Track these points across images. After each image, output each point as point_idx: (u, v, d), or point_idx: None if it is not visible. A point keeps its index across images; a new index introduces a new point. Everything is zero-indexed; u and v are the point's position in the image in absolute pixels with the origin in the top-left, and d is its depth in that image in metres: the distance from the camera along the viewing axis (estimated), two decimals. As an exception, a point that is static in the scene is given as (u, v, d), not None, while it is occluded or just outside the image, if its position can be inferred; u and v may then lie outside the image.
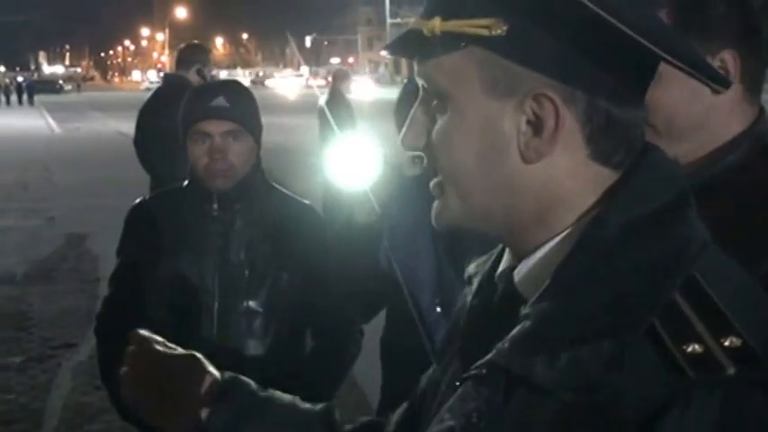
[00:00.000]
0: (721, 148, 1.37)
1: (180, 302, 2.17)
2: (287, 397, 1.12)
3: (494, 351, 0.79)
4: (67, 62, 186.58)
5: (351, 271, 2.16)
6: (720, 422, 0.68)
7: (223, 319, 2.15)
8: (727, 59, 1.34)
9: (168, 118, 2.82)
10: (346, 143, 2.07)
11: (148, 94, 5.57)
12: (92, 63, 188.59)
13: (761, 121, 1.40)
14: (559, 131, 0.79)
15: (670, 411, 0.69)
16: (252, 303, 2.17)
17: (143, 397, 1.08)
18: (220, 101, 2.11)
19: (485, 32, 0.79)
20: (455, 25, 0.81)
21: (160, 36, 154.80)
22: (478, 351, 0.83)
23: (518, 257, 0.86)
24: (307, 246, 2.19)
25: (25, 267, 7.93)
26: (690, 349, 0.70)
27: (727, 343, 0.70)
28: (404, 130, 0.89)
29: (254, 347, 2.17)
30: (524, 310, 0.80)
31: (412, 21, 0.87)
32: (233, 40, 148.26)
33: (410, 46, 0.86)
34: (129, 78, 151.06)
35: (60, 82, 79.39)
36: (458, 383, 0.85)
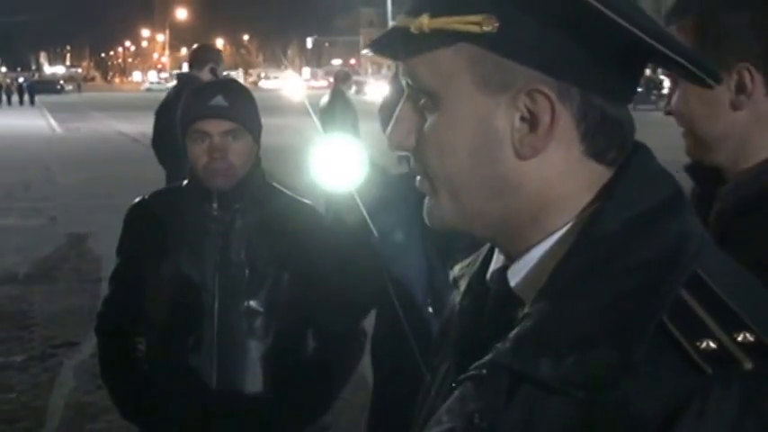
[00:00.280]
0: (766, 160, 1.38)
1: (180, 302, 2.16)
2: None
3: (493, 351, 0.78)
4: (68, 63, 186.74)
5: (350, 264, 2.13)
6: (740, 416, 0.68)
7: (223, 318, 2.14)
8: (744, 74, 1.34)
9: None
10: (331, 145, 2.03)
11: (149, 95, 5.60)
12: (92, 64, 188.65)
13: None
14: (555, 127, 0.78)
15: (689, 408, 0.68)
16: (252, 303, 2.16)
17: None
18: (219, 100, 2.10)
19: (476, 29, 0.77)
20: (445, 22, 0.78)
21: (160, 37, 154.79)
22: (473, 352, 0.82)
23: (510, 258, 0.84)
24: (307, 245, 2.18)
25: (27, 267, 7.92)
26: (704, 345, 0.70)
27: (740, 338, 0.70)
28: (389, 128, 0.86)
29: (254, 347, 2.16)
30: (524, 310, 0.79)
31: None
32: (234, 42, 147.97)
33: (395, 44, 0.83)
34: (129, 79, 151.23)
35: (61, 82, 79.57)
36: (454, 385, 0.83)
